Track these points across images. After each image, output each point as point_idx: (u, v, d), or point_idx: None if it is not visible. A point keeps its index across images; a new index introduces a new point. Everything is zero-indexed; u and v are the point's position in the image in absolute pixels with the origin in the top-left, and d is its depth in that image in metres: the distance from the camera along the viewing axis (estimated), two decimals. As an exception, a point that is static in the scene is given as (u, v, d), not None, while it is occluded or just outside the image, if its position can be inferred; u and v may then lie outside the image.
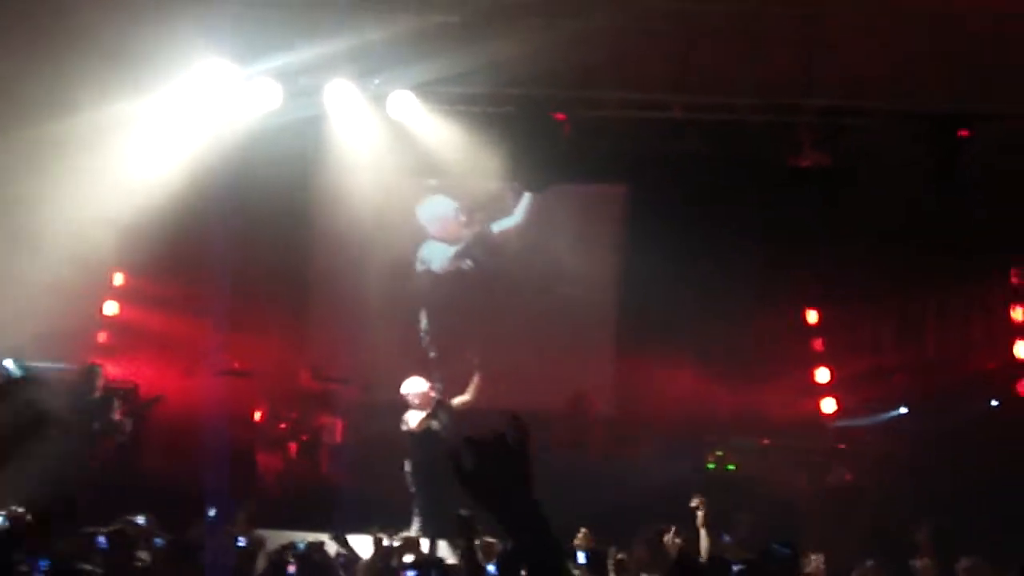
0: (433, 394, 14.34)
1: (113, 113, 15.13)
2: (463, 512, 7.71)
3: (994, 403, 16.74)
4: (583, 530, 11.47)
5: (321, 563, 10.48)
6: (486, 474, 3.64)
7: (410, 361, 17.30)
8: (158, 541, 10.22)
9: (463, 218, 18.39)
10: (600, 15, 14.32)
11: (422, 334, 18.28)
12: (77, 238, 15.54)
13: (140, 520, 10.93)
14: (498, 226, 18.41)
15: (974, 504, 14.39)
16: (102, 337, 17.28)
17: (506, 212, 18.39)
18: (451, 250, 18.34)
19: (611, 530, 12.05)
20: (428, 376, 15.25)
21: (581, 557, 10.10)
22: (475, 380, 14.04)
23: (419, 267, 18.43)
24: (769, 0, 14.05)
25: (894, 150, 16.04)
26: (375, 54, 15.03)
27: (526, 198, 18.15)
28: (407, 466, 13.96)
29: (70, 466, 13.77)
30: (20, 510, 9.46)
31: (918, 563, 12.20)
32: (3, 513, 9.24)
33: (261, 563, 10.96)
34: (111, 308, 17.50)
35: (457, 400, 14.08)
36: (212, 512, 12.51)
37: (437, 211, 18.35)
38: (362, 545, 12.07)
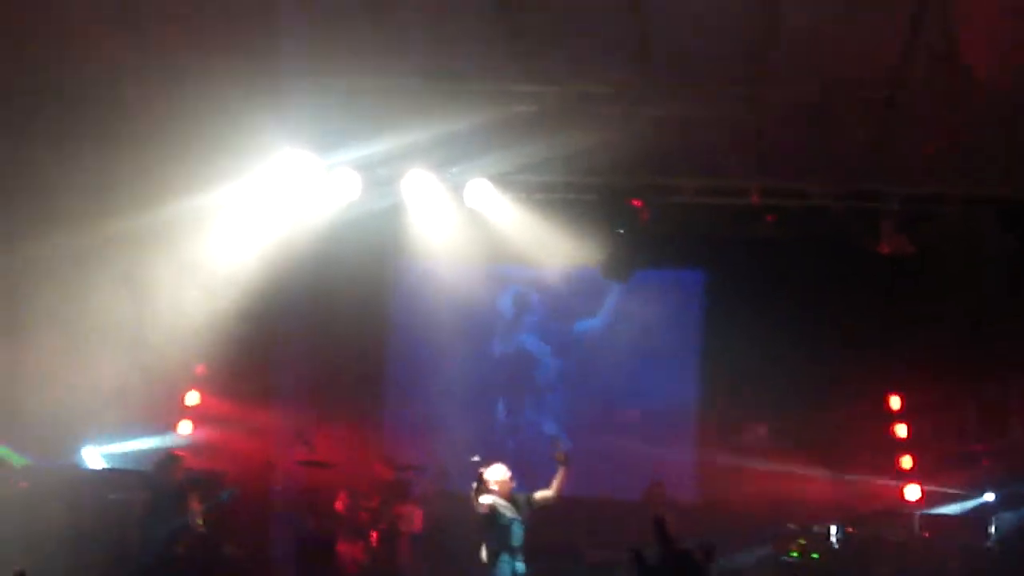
0: (512, 484, 14.25)
1: (196, 205, 15.34)
2: None
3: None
4: None
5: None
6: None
7: (487, 450, 17.32)
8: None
9: (545, 310, 18.40)
10: (676, 104, 14.38)
11: (499, 424, 18.27)
12: (161, 329, 15.72)
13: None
14: (581, 326, 18.45)
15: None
16: (184, 427, 17.38)
17: (590, 312, 18.39)
18: (531, 340, 18.35)
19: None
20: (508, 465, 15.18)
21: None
22: (557, 474, 13.88)
23: (498, 356, 18.44)
24: (842, 87, 14.03)
25: (974, 235, 15.92)
26: (453, 144, 15.15)
27: (610, 299, 18.17)
28: (483, 552, 13.88)
29: (152, 556, 13.94)
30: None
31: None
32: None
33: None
34: (193, 398, 17.62)
35: (539, 495, 13.95)
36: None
37: (519, 302, 18.38)
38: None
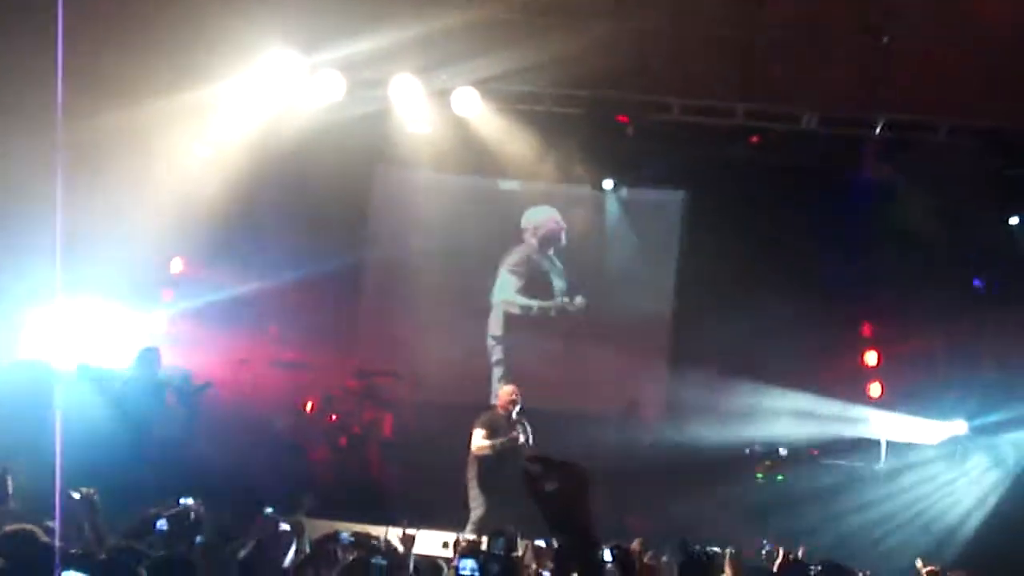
0: (515, 400, 14.07)
1: (182, 101, 15.28)
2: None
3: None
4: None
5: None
6: (554, 488, 4.02)
7: (465, 361, 17.43)
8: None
9: (527, 224, 18.26)
10: (663, 19, 14.32)
11: (490, 339, 18.22)
12: (141, 223, 15.63)
13: (189, 502, 10.93)
14: (562, 240, 18.32)
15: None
16: (160, 321, 17.35)
17: (571, 227, 18.17)
18: (511, 254, 18.27)
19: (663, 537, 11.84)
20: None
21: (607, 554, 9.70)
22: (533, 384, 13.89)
23: (475, 268, 18.33)
24: (831, 11, 14.00)
25: (957, 165, 15.92)
26: (439, 46, 15.07)
27: (591, 214, 18.04)
28: (471, 494, 13.74)
29: (127, 447, 13.95)
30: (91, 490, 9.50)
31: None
32: (82, 491, 9.34)
33: (304, 549, 10.77)
34: (169, 294, 17.58)
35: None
36: (269, 510, 12.51)
37: (541, 218, 18.19)
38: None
